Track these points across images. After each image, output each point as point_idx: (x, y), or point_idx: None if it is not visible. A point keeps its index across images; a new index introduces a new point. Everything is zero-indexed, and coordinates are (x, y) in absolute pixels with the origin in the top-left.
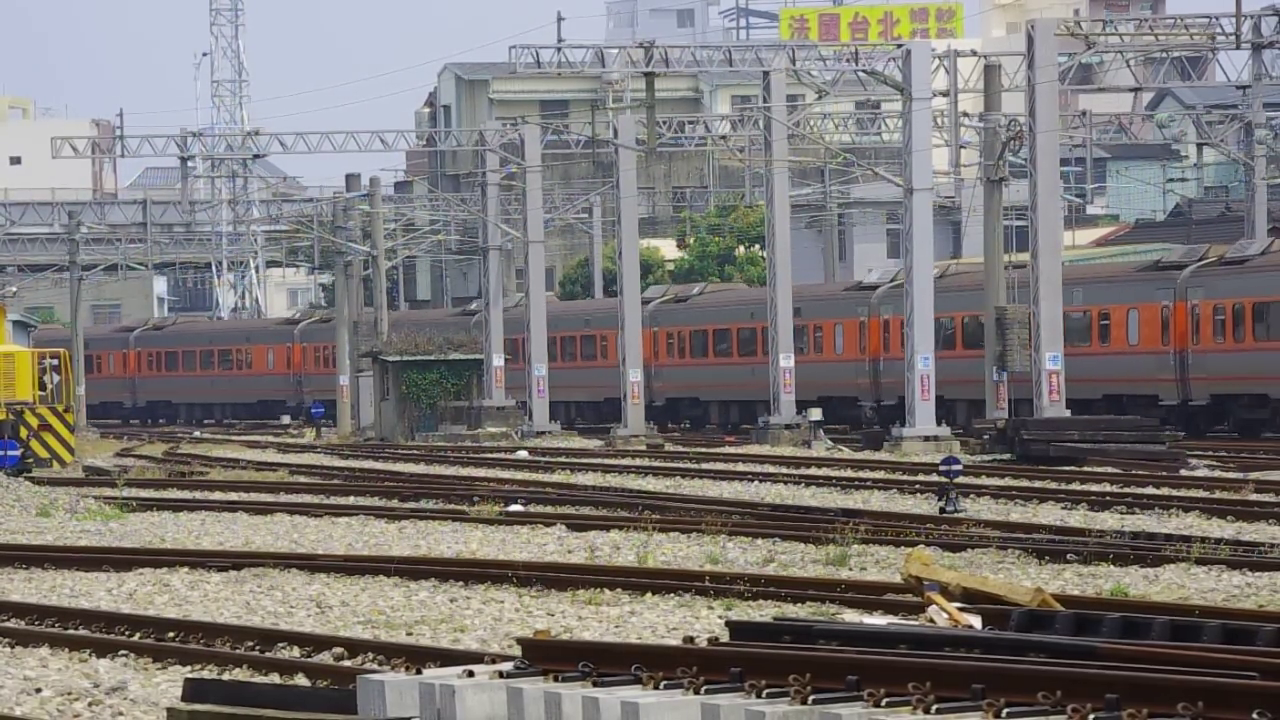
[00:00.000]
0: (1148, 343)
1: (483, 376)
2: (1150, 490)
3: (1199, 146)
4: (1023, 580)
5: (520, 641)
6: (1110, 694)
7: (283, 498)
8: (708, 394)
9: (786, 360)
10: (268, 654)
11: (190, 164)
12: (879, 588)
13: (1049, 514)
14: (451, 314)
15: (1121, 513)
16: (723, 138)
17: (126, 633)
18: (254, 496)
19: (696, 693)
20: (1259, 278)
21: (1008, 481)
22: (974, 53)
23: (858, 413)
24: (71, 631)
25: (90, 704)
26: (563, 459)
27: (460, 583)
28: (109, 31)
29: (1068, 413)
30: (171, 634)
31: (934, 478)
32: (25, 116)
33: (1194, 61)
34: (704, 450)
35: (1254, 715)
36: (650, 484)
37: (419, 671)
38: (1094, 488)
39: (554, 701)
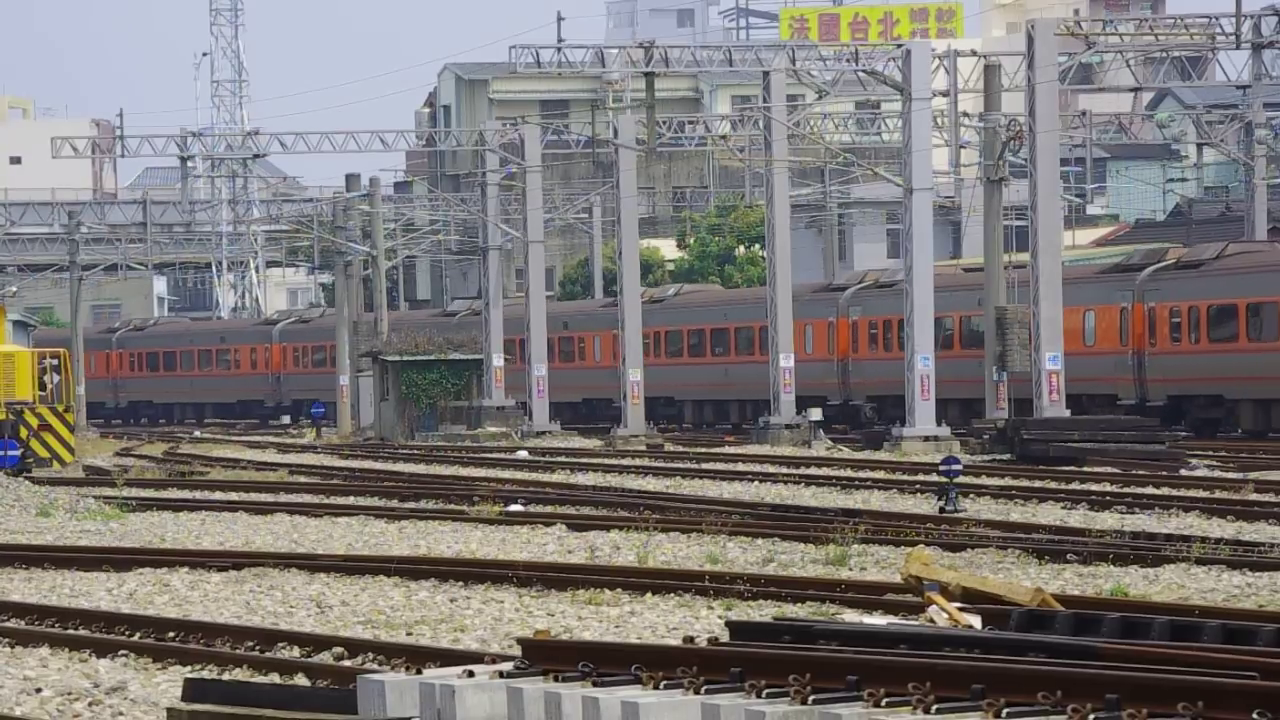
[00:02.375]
0: (1106, 343)
1: (483, 376)
2: (1150, 490)
3: (1199, 146)
4: (1023, 580)
5: (520, 641)
6: (1110, 694)
7: (283, 498)
8: (682, 393)
9: (786, 360)
10: (268, 654)
11: (190, 164)
12: (879, 588)
13: (1049, 514)
14: (433, 314)
15: (1121, 513)
16: (723, 138)
17: (126, 633)
18: (254, 496)
19: (696, 693)
20: (1214, 280)
21: (1008, 481)
22: (974, 53)
23: (831, 411)
24: (71, 631)
25: (90, 704)
26: (563, 459)
27: (460, 583)
28: (109, 31)
29: (1068, 412)
30: (171, 634)
31: (934, 478)
32: (25, 116)
33: (1194, 61)
34: (704, 450)
35: (1254, 715)
36: (650, 484)
37: (419, 671)
38: (1094, 488)
39: (554, 701)
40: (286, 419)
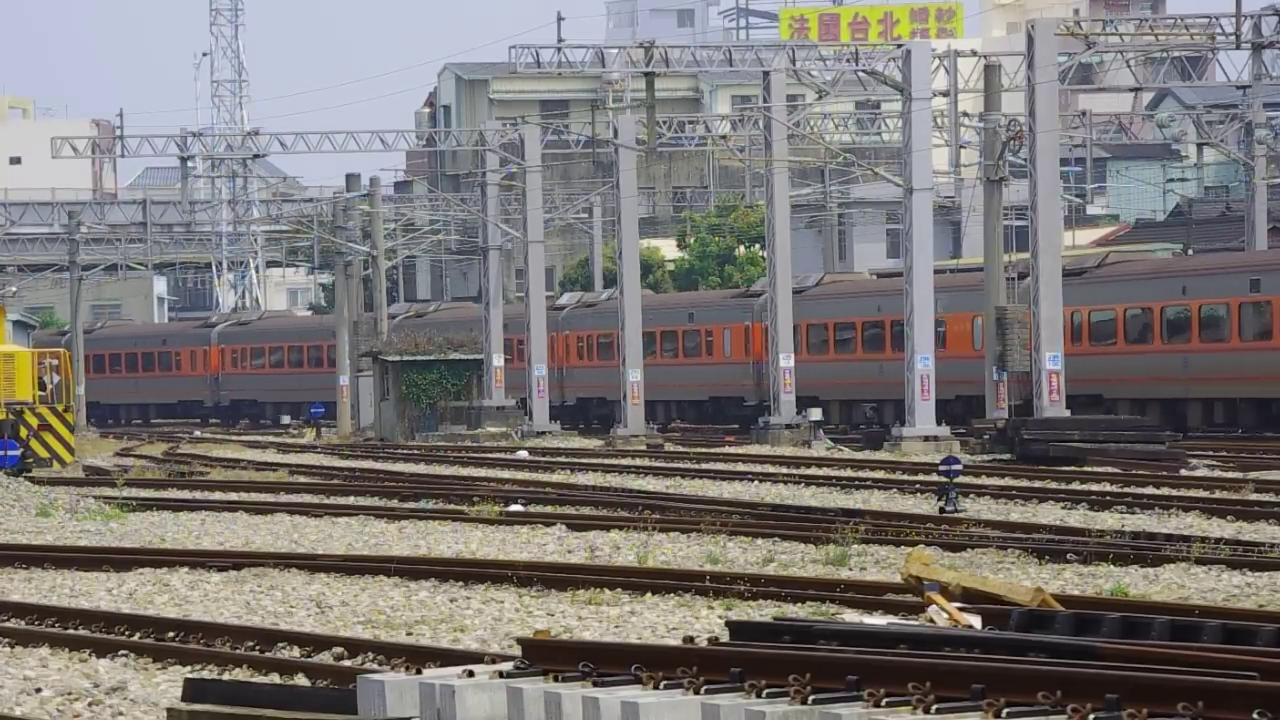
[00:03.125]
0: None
1: (482, 376)
2: (1150, 490)
3: (1199, 146)
4: (1023, 580)
5: (520, 641)
6: (1110, 694)
7: (283, 498)
8: (613, 394)
9: (786, 360)
10: (268, 654)
11: (190, 164)
12: (879, 588)
13: (1049, 514)
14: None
15: (1121, 513)
16: (723, 138)
17: (126, 633)
18: (254, 496)
19: (696, 693)
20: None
21: (1008, 481)
22: (974, 53)
23: (745, 411)
24: (71, 631)
25: (90, 704)
26: (563, 459)
27: (460, 583)
28: (109, 31)
29: (1068, 412)
30: (171, 634)
31: (934, 478)
32: (25, 116)
33: (1194, 61)
34: (704, 450)
35: (1254, 715)
36: (650, 484)
37: (419, 671)
38: (1094, 488)
39: (554, 701)
40: (286, 419)
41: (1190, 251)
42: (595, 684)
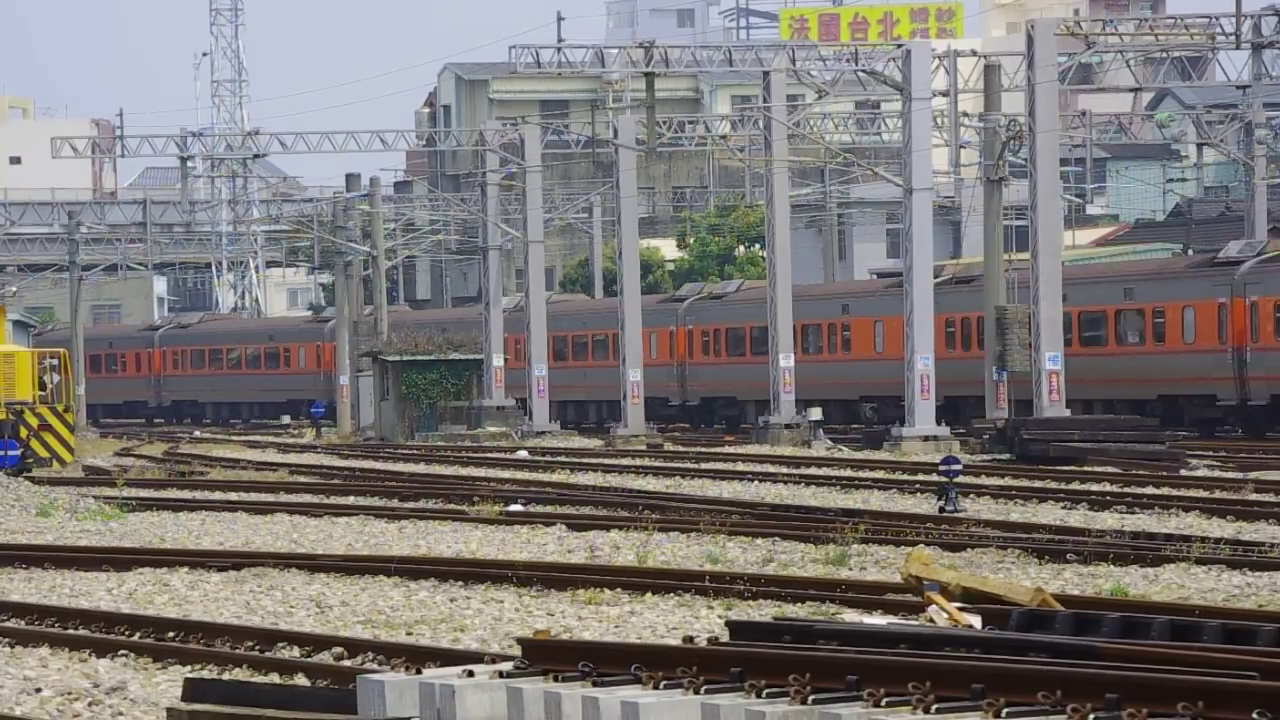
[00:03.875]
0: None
1: (482, 376)
2: (1150, 490)
3: (1199, 146)
4: (1023, 580)
5: (520, 641)
6: (1110, 694)
7: (283, 498)
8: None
9: (786, 360)
10: (268, 654)
11: (190, 164)
12: (879, 588)
13: (1049, 514)
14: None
15: (1121, 513)
16: (723, 138)
17: (126, 633)
18: (254, 496)
19: (696, 693)
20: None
21: (1008, 481)
22: (974, 53)
23: (670, 411)
24: (71, 631)
25: (90, 704)
26: (563, 459)
27: (460, 583)
28: (109, 31)
29: (1067, 412)
30: (171, 634)
31: (934, 478)
32: (25, 116)
33: (1194, 61)
34: (704, 450)
35: (1254, 715)
36: (650, 484)
37: (419, 671)
38: (1094, 488)
39: (554, 701)
40: (286, 418)
41: (1190, 252)
42: (595, 684)
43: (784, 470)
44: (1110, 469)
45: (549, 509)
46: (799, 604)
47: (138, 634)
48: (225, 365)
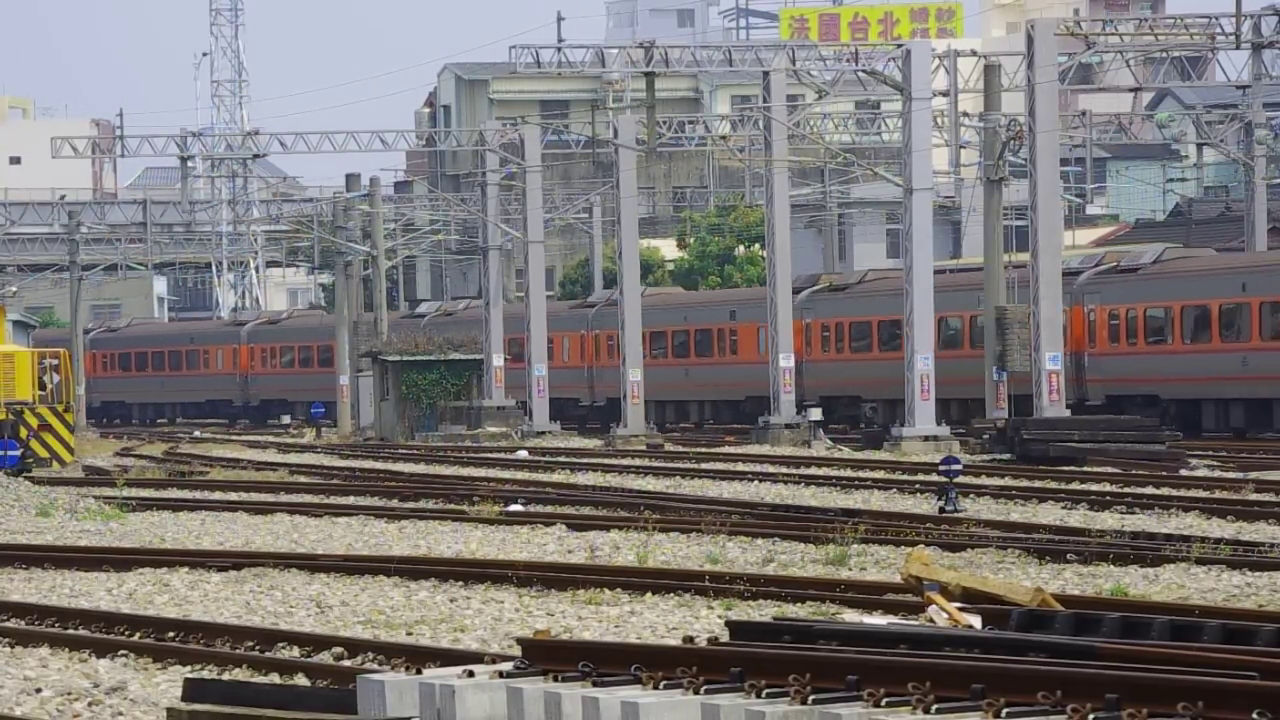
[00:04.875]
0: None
1: (482, 376)
2: (1150, 490)
3: (1199, 146)
4: (1023, 580)
5: (520, 641)
6: (1110, 694)
7: (283, 498)
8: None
9: (786, 360)
10: (268, 654)
11: (190, 164)
12: (879, 588)
13: (1049, 514)
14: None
15: (1121, 513)
16: (723, 138)
17: (126, 633)
18: (254, 496)
19: (696, 693)
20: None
21: (1008, 481)
22: (974, 53)
23: (582, 411)
24: (71, 631)
25: (90, 704)
26: (563, 459)
27: (460, 583)
28: (109, 31)
29: (1067, 412)
30: (171, 634)
31: (934, 478)
32: (25, 116)
33: (1194, 61)
34: (704, 450)
35: (1254, 715)
36: (650, 484)
37: (419, 671)
38: (1094, 488)
39: (554, 701)
40: (286, 418)
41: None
42: (595, 684)
43: (784, 470)
44: (1110, 469)
45: (549, 509)
46: (799, 604)
47: (138, 634)
48: (150, 368)
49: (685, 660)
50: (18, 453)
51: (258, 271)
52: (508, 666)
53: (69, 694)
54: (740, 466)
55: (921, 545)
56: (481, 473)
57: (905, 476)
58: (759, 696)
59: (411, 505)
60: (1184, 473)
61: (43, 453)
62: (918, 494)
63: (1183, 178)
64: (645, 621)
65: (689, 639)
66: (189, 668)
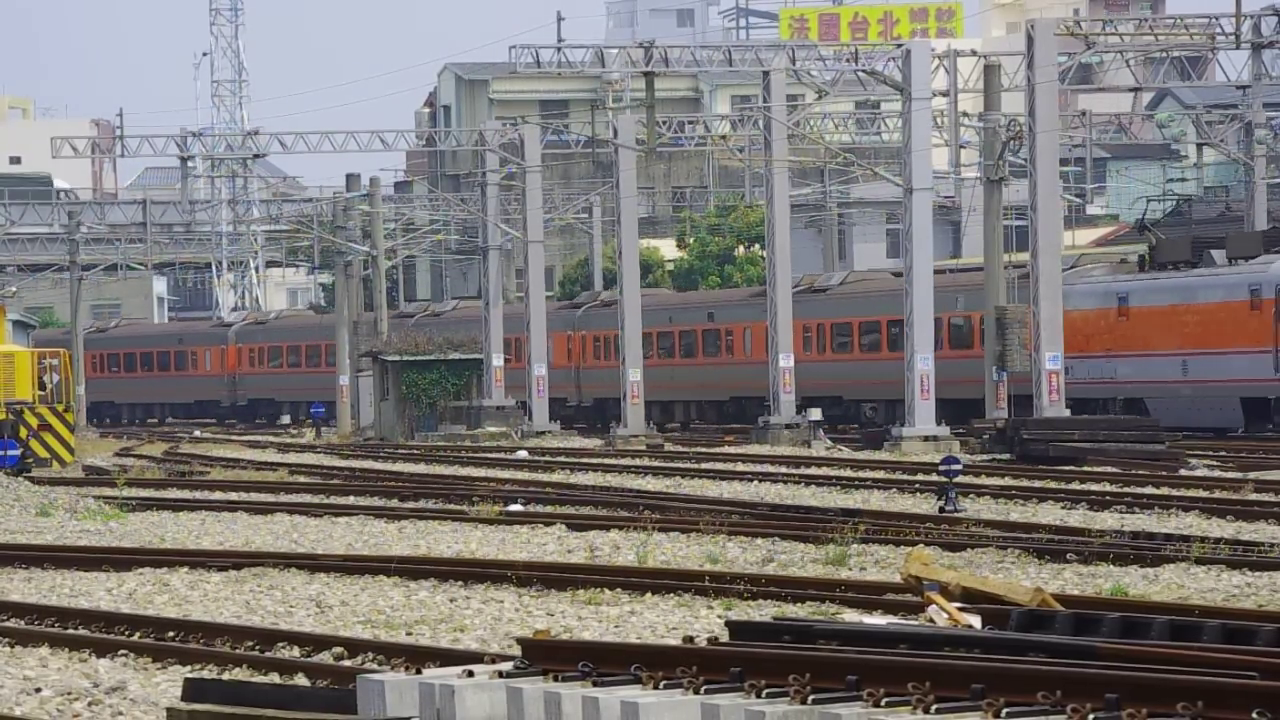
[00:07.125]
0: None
1: (482, 376)
2: (1150, 490)
3: (1199, 146)
4: (1023, 580)
5: (520, 641)
6: (1110, 694)
7: (283, 498)
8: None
9: (786, 360)
10: (268, 654)
11: (190, 164)
12: (879, 588)
13: (1049, 514)
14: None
15: (1121, 513)
16: (723, 138)
17: (126, 633)
18: (254, 496)
19: (696, 693)
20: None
21: (1008, 481)
22: (974, 53)
23: (569, 411)
24: (71, 631)
25: (90, 704)
26: (562, 459)
27: (460, 583)
28: (109, 31)
29: (1067, 412)
30: (171, 634)
31: (934, 477)
32: (25, 116)
33: (1194, 61)
34: (704, 450)
35: (1254, 715)
36: (650, 484)
37: (419, 671)
38: (1094, 488)
39: (554, 701)
40: (286, 418)
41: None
42: (595, 684)
43: (784, 470)
44: (1110, 469)
45: (549, 509)
46: (799, 604)
47: (138, 634)
48: (139, 368)
49: (685, 660)
50: (18, 453)
51: (257, 272)
52: (508, 666)
53: (69, 694)
54: (740, 466)
55: (921, 545)
56: (481, 473)
57: (905, 476)
58: (759, 696)
59: (411, 505)
60: (1184, 473)
61: (42, 453)
62: (918, 494)
63: (1183, 178)
64: (645, 621)
65: (689, 639)
66: (189, 668)
